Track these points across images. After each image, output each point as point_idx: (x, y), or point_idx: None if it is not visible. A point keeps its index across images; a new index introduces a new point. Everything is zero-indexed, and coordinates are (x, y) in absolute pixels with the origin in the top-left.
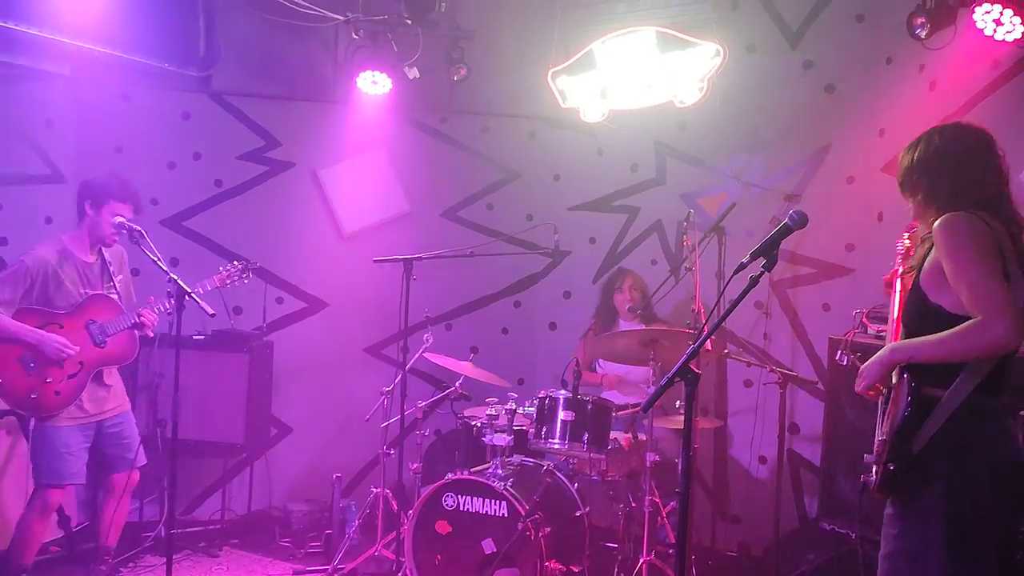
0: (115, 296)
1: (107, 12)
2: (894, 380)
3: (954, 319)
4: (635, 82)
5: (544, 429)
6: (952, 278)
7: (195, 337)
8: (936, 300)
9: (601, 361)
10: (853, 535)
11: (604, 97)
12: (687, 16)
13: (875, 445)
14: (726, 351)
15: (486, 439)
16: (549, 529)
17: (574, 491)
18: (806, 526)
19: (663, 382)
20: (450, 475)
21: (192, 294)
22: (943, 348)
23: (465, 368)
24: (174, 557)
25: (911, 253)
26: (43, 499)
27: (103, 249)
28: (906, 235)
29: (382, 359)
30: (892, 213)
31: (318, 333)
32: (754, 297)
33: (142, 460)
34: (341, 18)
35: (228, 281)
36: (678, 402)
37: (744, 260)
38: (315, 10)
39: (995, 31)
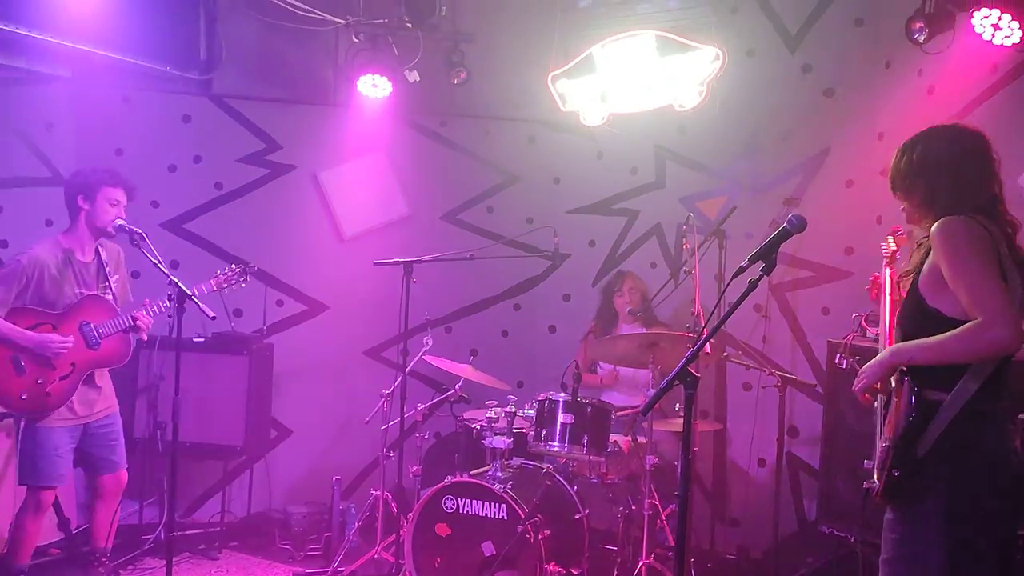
0: (110, 297)
1: (108, 15)
2: (894, 384)
3: (952, 323)
4: (635, 86)
5: (544, 432)
6: (951, 281)
7: (195, 339)
8: (934, 304)
9: (601, 364)
10: (852, 538)
11: (604, 101)
12: (686, 20)
13: (877, 451)
14: (725, 354)
15: (486, 442)
16: (548, 532)
17: (573, 494)
18: (805, 529)
19: (663, 385)
20: (450, 478)
21: (193, 297)
22: (943, 350)
23: (465, 371)
24: (173, 559)
25: (896, 256)
26: (36, 500)
27: (100, 249)
28: (890, 237)
29: (382, 361)
30: (891, 216)
31: (318, 336)
32: (753, 300)
33: (125, 462)
34: (342, 22)
35: (226, 284)
36: (677, 405)
37: (743, 264)
38: (316, 14)
39: (993, 35)
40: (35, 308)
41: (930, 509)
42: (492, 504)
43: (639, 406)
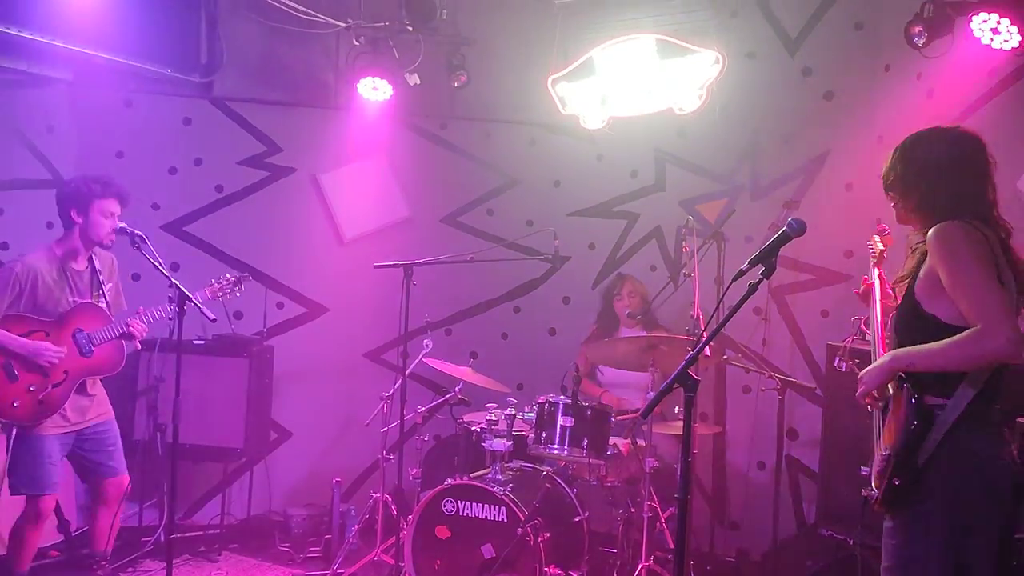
0: (103, 305)
1: (109, 18)
2: (891, 390)
3: (949, 329)
4: (635, 89)
5: (543, 434)
6: (950, 288)
7: (195, 342)
8: (931, 310)
9: (602, 367)
10: (852, 541)
11: (604, 104)
12: (687, 23)
13: (876, 459)
14: (725, 357)
15: (486, 444)
16: (548, 534)
17: (573, 496)
18: (805, 532)
19: (662, 388)
20: (449, 480)
21: (193, 299)
22: (943, 357)
23: (465, 373)
24: (173, 562)
25: (884, 255)
26: (36, 508)
27: (93, 257)
28: (876, 236)
29: (382, 364)
30: (891, 220)
31: (318, 338)
32: (753, 303)
33: (124, 468)
34: (342, 24)
35: (220, 293)
36: (677, 408)
37: (743, 267)
38: (317, 16)
39: (992, 40)
40: (29, 316)
41: (930, 516)
42: (492, 507)
43: (639, 409)
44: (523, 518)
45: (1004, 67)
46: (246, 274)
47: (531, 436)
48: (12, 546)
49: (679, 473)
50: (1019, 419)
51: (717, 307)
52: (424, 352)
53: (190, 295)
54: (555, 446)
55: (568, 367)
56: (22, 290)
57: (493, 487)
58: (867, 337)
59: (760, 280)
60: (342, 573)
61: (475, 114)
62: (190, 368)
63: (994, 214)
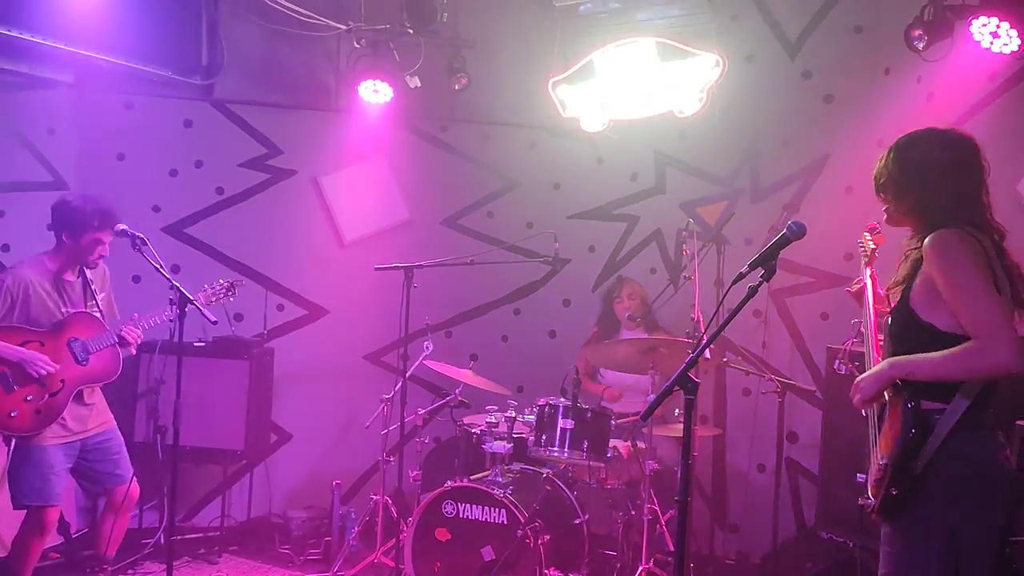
0: (97, 313)
1: (110, 20)
2: (887, 396)
3: (947, 337)
4: (635, 92)
5: (544, 437)
6: (949, 299)
7: (196, 344)
8: (928, 318)
9: (603, 370)
10: (851, 544)
11: (604, 107)
12: (687, 26)
13: (873, 467)
14: (725, 360)
15: (486, 446)
16: (548, 537)
17: (573, 499)
18: (804, 535)
19: (663, 390)
20: (450, 482)
21: (194, 302)
22: (944, 368)
23: (465, 376)
24: (173, 564)
25: (875, 255)
26: (41, 519)
27: (84, 268)
28: (867, 235)
29: (382, 366)
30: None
31: (318, 340)
32: (753, 306)
33: (131, 475)
34: (343, 27)
35: (214, 299)
36: (677, 410)
37: (743, 270)
38: (317, 19)
39: (992, 43)
40: (22, 326)
41: (928, 522)
42: (492, 509)
43: (639, 412)
44: (523, 520)
45: (1004, 71)
46: (240, 279)
47: (531, 438)
48: (15, 557)
49: (679, 475)
50: (1019, 422)
51: (717, 310)
52: (424, 354)
53: (191, 297)
54: (555, 448)
55: (568, 369)
56: (14, 302)
57: (493, 489)
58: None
59: (760, 283)
60: (342, 575)
61: (475, 117)
62: (190, 370)
63: (987, 217)
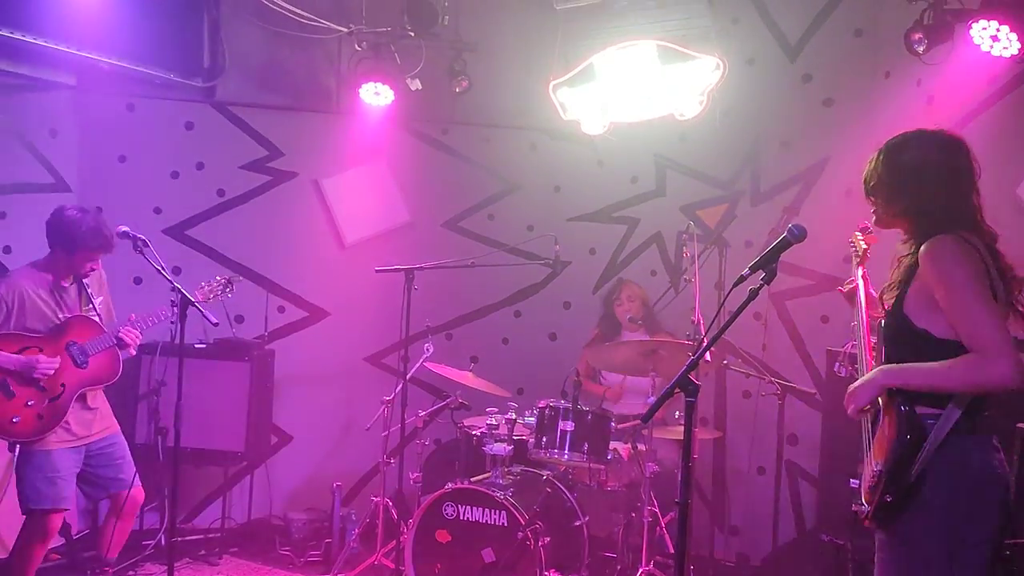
0: (95, 317)
1: (112, 23)
2: (882, 402)
3: (943, 344)
4: (636, 95)
5: (544, 439)
6: (949, 311)
7: (197, 345)
8: (923, 325)
9: (605, 375)
10: (851, 546)
11: (604, 110)
12: (687, 30)
13: (867, 473)
14: (725, 362)
15: (486, 448)
16: (548, 539)
17: (573, 501)
18: (804, 537)
19: (664, 393)
20: (450, 484)
21: (196, 304)
22: (940, 379)
23: (465, 378)
24: (174, 565)
25: (867, 255)
26: (44, 525)
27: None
28: (858, 234)
29: (383, 368)
30: None
31: (319, 342)
32: (753, 308)
33: (137, 482)
34: (344, 30)
35: (212, 295)
36: (677, 413)
37: (744, 273)
38: (319, 22)
39: (992, 47)
40: (19, 333)
41: (923, 529)
42: (492, 511)
43: (639, 415)
44: (523, 522)
45: (1004, 74)
46: (237, 275)
47: (532, 440)
48: (17, 562)
49: (680, 477)
50: (1020, 425)
51: (718, 312)
52: (425, 356)
53: (193, 299)
54: (556, 450)
55: (569, 372)
56: (10, 310)
57: (494, 491)
58: None
59: (761, 286)
60: None
61: (476, 119)
62: (191, 372)
63: (979, 219)
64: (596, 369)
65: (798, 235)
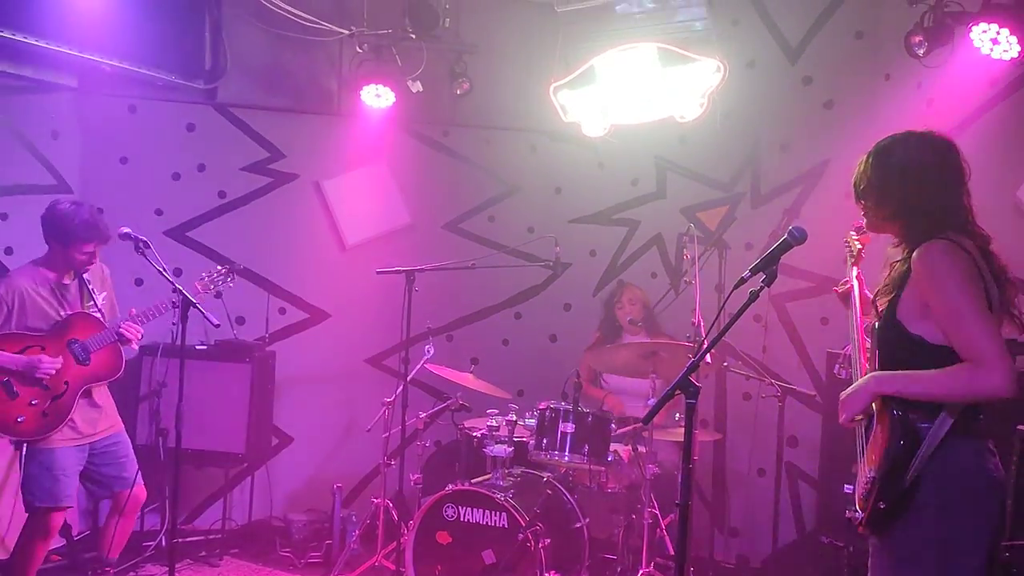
0: (96, 313)
1: (114, 25)
2: (875, 407)
3: (936, 350)
4: (636, 97)
5: (545, 441)
6: (941, 319)
7: (198, 347)
8: (916, 331)
9: (605, 374)
10: (851, 549)
11: (605, 112)
12: (688, 32)
13: (860, 480)
14: (725, 364)
15: (487, 450)
16: (549, 540)
17: (574, 503)
18: (804, 539)
19: (664, 394)
20: (451, 486)
21: (197, 305)
22: (932, 388)
23: (466, 379)
24: (175, 566)
25: (862, 255)
26: (45, 522)
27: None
28: (853, 234)
29: (383, 370)
30: None
31: (320, 344)
32: (753, 310)
33: (139, 481)
34: (346, 32)
35: (212, 286)
36: (677, 415)
37: (744, 275)
38: (320, 24)
39: (992, 50)
40: (21, 332)
41: (917, 536)
42: (493, 512)
43: (639, 417)
44: (524, 524)
45: (1004, 77)
46: (238, 263)
47: (532, 442)
48: (19, 560)
49: (680, 479)
50: (1019, 427)
51: (718, 314)
52: (425, 358)
53: (194, 301)
54: (556, 452)
55: (569, 373)
56: (10, 310)
57: (494, 493)
58: (867, 345)
59: (761, 288)
60: None
61: (477, 121)
62: (192, 373)
63: (970, 220)
64: (598, 372)
65: (799, 237)
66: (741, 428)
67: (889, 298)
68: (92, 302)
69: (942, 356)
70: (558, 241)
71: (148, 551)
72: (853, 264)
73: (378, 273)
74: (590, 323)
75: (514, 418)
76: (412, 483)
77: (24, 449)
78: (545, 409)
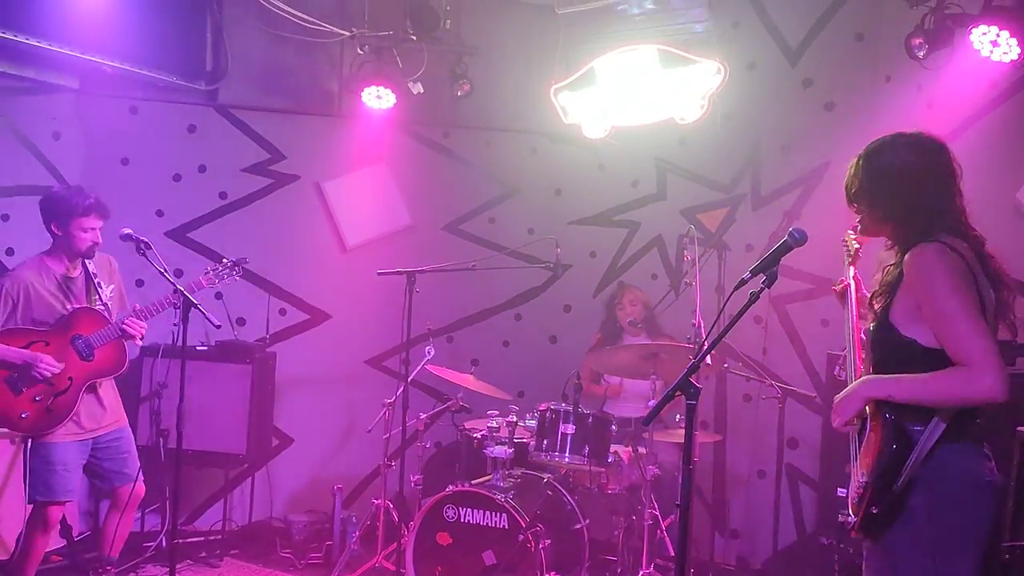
0: (101, 308)
1: (115, 26)
2: (868, 410)
3: (929, 352)
4: (636, 99)
5: (545, 442)
6: (933, 322)
7: (198, 348)
8: (909, 334)
9: (607, 376)
10: (852, 550)
11: (605, 113)
12: (688, 34)
13: (853, 483)
14: (725, 366)
15: (487, 451)
16: (549, 541)
17: (574, 504)
18: (805, 541)
19: (665, 395)
20: (451, 487)
21: (198, 306)
22: (923, 392)
23: (466, 380)
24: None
25: (859, 254)
26: (43, 516)
27: (86, 262)
28: (851, 233)
29: (384, 371)
30: None
31: (320, 345)
32: (753, 312)
33: (139, 477)
34: (347, 33)
35: (217, 280)
36: (678, 416)
37: (745, 276)
38: (321, 25)
39: (992, 52)
40: (26, 328)
41: (909, 539)
42: (493, 513)
43: (640, 418)
44: (524, 525)
45: (1004, 79)
46: (244, 258)
47: (532, 443)
48: (19, 553)
49: (680, 480)
50: (1019, 428)
51: (719, 316)
52: (426, 359)
53: (195, 301)
54: (556, 453)
55: (569, 374)
56: (15, 304)
57: (494, 494)
58: None
59: (762, 290)
60: None
61: (477, 123)
62: (193, 374)
63: (964, 221)
64: (599, 373)
65: (799, 239)
66: (741, 430)
67: (883, 301)
68: (97, 296)
69: (935, 359)
70: (558, 243)
71: (149, 552)
72: (850, 264)
73: (379, 274)
74: (590, 324)
75: (514, 419)
76: (412, 484)
77: (28, 443)
78: (545, 410)
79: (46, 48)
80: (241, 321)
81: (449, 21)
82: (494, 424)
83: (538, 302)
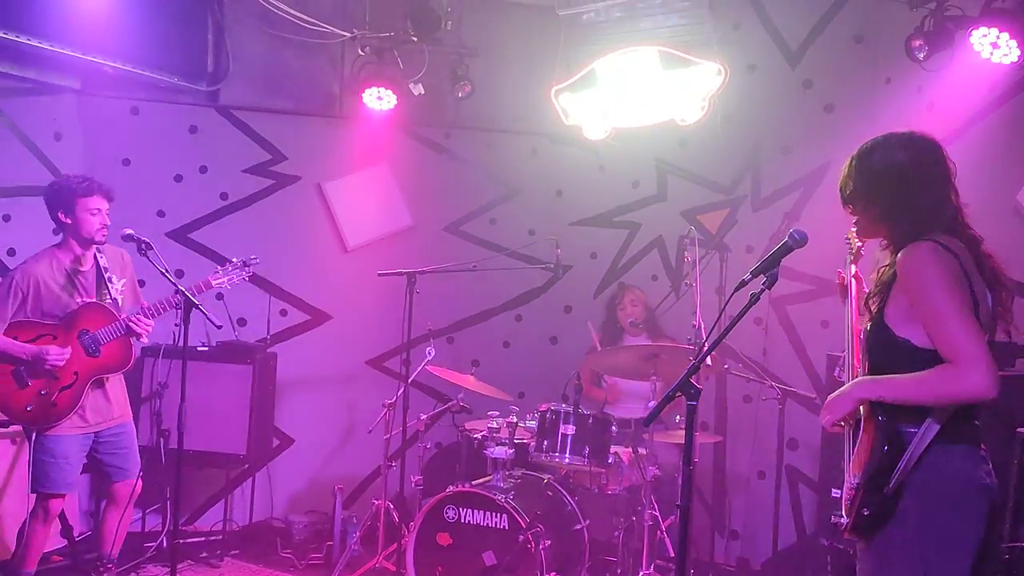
0: (109, 303)
1: (117, 27)
2: (862, 411)
3: (923, 353)
4: (637, 100)
5: (545, 442)
6: (924, 320)
7: (199, 348)
8: (903, 335)
9: (607, 376)
10: (851, 551)
11: (606, 115)
12: (689, 35)
13: (846, 485)
14: (726, 367)
15: (487, 452)
16: (549, 542)
17: (574, 504)
18: (805, 541)
19: (665, 396)
20: (451, 487)
21: (199, 306)
22: (914, 391)
23: (467, 381)
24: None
25: (861, 253)
26: (44, 508)
27: (97, 255)
28: (854, 230)
29: (384, 372)
30: None
31: (321, 345)
32: (754, 313)
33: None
34: (348, 35)
35: (226, 279)
36: (678, 417)
37: (745, 278)
38: (322, 27)
39: (992, 54)
40: (36, 321)
41: (902, 542)
42: (493, 514)
43: (640, 419)
44: (524, 525)
45: (1004, 81)
46: (254, 257)
47: (533, 444)
48: (19, 545)
49: (680, 481)
50: (1020, 429)
51: (719, 317)
52: (426, 360)
53: (196, 302)
54: (557, 454)
55: (570, 375)
56: (25, 297)
57: (495, 494)
58: None
59: (762, 291)
60: None
61: (478, 124)
62: (194, 374)
63: (960, 220)
64: (599, 374)
65: (799, 240)
66: (741, 430)
67: (878, 301)
68: (107, 290)
69: (929, 359)
70: (559, 243)
71: (149, 552)
72: (852, 262)
73: (379, 275)
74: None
75: (515, 420)
76: (413, 485)
77: (32, 435)
78: (546, 411)
79: (47, 49)
80: (242, 321)
81: (450, 22)
82: (494, 425)
83: (539, 303)
